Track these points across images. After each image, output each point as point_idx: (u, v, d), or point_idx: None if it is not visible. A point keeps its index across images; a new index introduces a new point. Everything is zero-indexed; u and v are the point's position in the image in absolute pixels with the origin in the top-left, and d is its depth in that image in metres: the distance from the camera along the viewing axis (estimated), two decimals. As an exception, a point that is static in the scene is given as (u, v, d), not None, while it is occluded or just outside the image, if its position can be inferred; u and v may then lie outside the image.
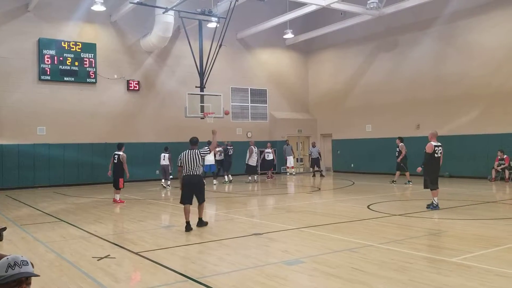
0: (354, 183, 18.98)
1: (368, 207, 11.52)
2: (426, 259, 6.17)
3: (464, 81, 19.64)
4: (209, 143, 14.54)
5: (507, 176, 17.55)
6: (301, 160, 27.55)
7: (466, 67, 19.57)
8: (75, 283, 5.48)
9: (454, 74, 20.03)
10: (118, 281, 5.56)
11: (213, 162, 19.10)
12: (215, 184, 18.96)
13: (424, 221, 9.33)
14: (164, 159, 18.25)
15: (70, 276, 5.80)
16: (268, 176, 21.69)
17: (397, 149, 17.75)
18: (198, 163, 8.93)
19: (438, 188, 10.93)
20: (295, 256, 6.59)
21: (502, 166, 17.65)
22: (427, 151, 10.92)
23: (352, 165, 24.53)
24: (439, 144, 11.02)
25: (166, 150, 18.46)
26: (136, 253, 6.93)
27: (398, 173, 17.77)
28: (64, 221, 10.19)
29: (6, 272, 2.31)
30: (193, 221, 9.06)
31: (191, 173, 8.93)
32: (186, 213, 8.97)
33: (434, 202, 10.80)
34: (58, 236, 8.52)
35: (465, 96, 19.52)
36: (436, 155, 10.86)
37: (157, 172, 20.00)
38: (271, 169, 21.88)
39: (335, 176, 23.39)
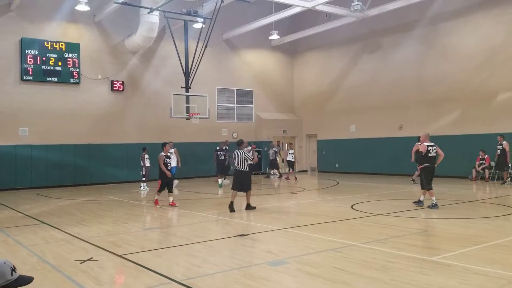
0: (338, 183, 19.12)
1: (352, 207, 11.62)
2: (407, 259, 6.25)
3: (445, 83, 19.95)
4: (239, 142, 13.99)
5: (487, 176, 17.85)
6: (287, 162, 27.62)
7: (447, 69, 19.89)
8: (57, 287, 5.44)
9: (435, 75, 20.34)
10: (101, 284, 5.54)
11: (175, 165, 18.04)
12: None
13: (406, 221, 9.45)
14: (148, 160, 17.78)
15: (52, 279, 5.75)
16: (287, 177, 21.33)
17: (500, 147, 16.95)
18: (244, 161, 11.24)
19: (432, 188, 11.04)
20: (279, 256, 6.63)
21: (483, 166, 17.94)
22: (420, 151, 11.10)
23: (337, 165, 24.70)
24: (432, 144, 11.14)
25: (145, 150, 17.80)
26: (120, 256, 6.89)
27: (504, 173, 17.12)
28: (47, 224, 10.08)
29: (11, 276, 2.42)
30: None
31: (240, 168, 11.32)
32: (233, 196, 11.34)
33: (432, 201, 10.85)
34: (40, 239, 8.44)
35: (446, 98, 19.83)
36: (430, 155, 10.96)
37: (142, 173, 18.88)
38: (291, 170, 21.57)
39: (320, 176, 23.54)
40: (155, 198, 13.00)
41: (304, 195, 15.69)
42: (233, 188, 11.50)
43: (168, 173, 12.50)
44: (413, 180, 17.55)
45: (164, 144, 12.94)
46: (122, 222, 10.27)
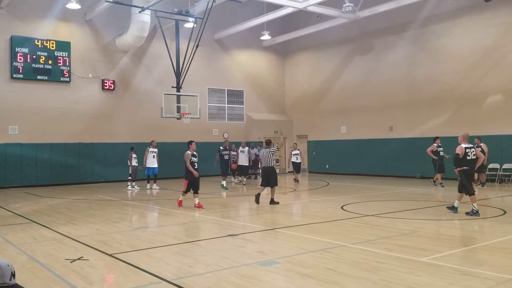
0: (328, 183, 19.19)
1: (342, 207, 11.68)
2: (397, 259, 6.31)
3: (435, 85, 20.13)
4: (267, 142, 13.78)
5: (475, 178, 18.00)
6: (277, 161, 27.67)
7: (438, 70, 20.07)
8: (47, 286, 5.41)
9: (426, 77, 20.51)
10: (91, 283, 5.52)
11: (154, 165, 17.58)
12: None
13: (396, 222, 9.52)
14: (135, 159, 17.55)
15: (42, 278, 5.72)
16: (295, 179, 19.29)
17: (479, 149, 17.04)
18: (271, 158, 12.47)
19: (474, 192, 10.20)
20: (270, 256, 6.65)
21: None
22: (457, 153, 10.22)
23: (327, 166, 24.79)
24: (471, 146, 10.40)
25: (132, 150, 17.73)
26: (110, 255, 6.87)
27: (439, 175, 17.02)
28: (36, 223, 10.02)
29: (10, 280, 2.36)
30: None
31: (267, 165, 12.44)
32: (260, 190, 12.57)
33: (474, 208, 9.93)
34: (30, 237, 8.38)
35: (436, 99, 20.01)
36: (468, 158, 10.13)
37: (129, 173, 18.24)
38: (298, 173, 19.61)
39: (310, 176, 23.60)
40: (179, 199, 12.32)
41: (295, 195, 15.73)
42: (262, 185, 12.70)
43: (195, 172, 11.90)
44: (434, 181, 17.17)
45: (190, 143, 12.36)
46: (112, 221, 10.23)
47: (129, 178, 17.80)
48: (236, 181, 20.08)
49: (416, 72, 20.98)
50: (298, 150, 19.96)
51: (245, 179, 19.52)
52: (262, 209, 11.96)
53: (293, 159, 19.50)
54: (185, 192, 12.15)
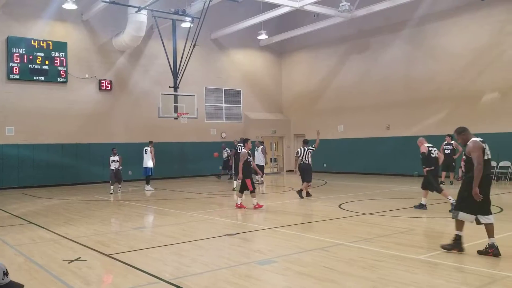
0: (326, 182, 19.22)
1: (339, 206, 11.70)
2: (394, 257, 6.32)
3: (432, 83, 20.17)
4: (305, 141, 14.09)
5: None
6: (275, 160, 27.74)
7: (434, 69, 20.12)
8: (45, 287, 5.41)
9: (422, 76, 20.55)
10: (89, 283, 5.52)
11: (148, 166, 17.31)
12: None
13: (393, 220, 9.54)
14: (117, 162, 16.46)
15: (40, 279, 5.72)
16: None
17: (450, 147, 16.62)
18: (308, 156, 13.60)
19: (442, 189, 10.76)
20: (268, 256, 6.66)
21: (468, 165, 18.06)
22: (423, 152, 10.82)
23: (325, 165, 24.79)
24: (432, 145, 10.99)
25: (113, 151, 16.67)
26: (108, 255, 6.87)
27: (450, 173, 16.91)
28: (34, 224, 10.00)
29: (3, 279, 2.34)
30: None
31: (304, 162, 13.59)
32: (304, 187, 13.58)
33: (450, 200, 10.13)
34: (28, 238, 8.37)
35: (433, 98, 20.06)
36: (432, 155, 10.75)
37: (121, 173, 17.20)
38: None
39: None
40: (256, 203, 11.63)
41: (292, 194, 15.73)
42: (303, 181, 13.71)
43: (240, 175, 11.60)
44: (451, 181, 16.77)
45: (246, 141, 12.08)
46: (110, 221, 10.23)
47: (109, 181, 16.64)
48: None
49: (412, 71, 21.02)
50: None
51: (262, 179, 18.91)
52: (260, 208, 11.97)
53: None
54: (253, 191, 11.60)
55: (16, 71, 19.20)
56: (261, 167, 19.11)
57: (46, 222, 10.21)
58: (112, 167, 16.46)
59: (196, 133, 23.86)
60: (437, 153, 10.97)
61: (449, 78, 19.59)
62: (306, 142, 14.17)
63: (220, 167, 22.58)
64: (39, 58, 19.70)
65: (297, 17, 24.34)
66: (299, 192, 13.58)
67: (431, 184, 10.73)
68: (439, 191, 10.63)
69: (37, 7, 19.83)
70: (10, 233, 8.90)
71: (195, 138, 23.87)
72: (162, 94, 18.72)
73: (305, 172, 13.76)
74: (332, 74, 24.94)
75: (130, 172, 20.48)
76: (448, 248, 6.51)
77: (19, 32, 19.48)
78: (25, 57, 19.41)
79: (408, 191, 15.09)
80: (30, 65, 19.53)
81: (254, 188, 11.66)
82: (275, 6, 20.92)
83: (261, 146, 19.36)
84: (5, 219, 10.93)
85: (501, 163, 17.91)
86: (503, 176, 17.87)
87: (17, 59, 19.23)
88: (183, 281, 5.46)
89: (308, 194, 13.80)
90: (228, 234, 8.26)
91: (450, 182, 16.69)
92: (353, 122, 23.47)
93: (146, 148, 17.54)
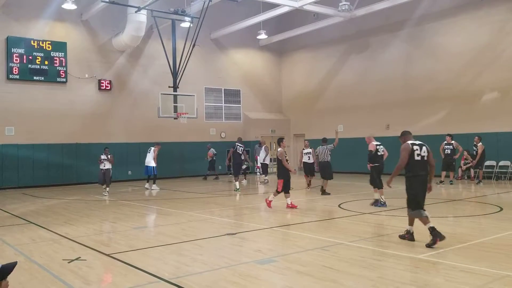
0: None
1: (339, 205, 11.72)
2: (394, 256, 6.33)
3: (431, 82, 20.19)
4: (324, 140, 14.92)
5: (472, 175, 18.08)
6: (275, 160, 27.67)
7: (434, 68, 20.13)
8: (45, 286, 5.41)
9: (422, 75, 20.57)
10: (89, 283, 5.52)
11: (150, 164, 17.13)
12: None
13: (393, 219, 9.55)
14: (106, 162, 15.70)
15: (40, 279, 5.72)
16: (308, 183, 16.76)
17: (451, 147, 16.63)
18: (327, 154, 14.39)
19: (382, 186, 11.38)
20: (268, 255, 6.66)
21: (468, 165, 18.14)
22: (370, 150, 11.64)
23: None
24: (379, 143, 11.79)
25: (105, 150, 15.86)
26: (108, 255, 6.87)
27: (450, 173, 16.94)
28: (34, 223, 10.01)
29: None
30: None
31: (323, 160, 14.42)
32: (324, 184, 14.36)
33: (381, 200, 11.32)
34: (28, 238, 8.37)
35: (432, 97, 20.07)
36: (378, 153, 11.61)
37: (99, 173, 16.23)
38: (312, 176, 16.63)
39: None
40: (269, 199, 11.71)
41: (292, 194, 15.67)
42: (322, 177, 14.43)
43: (293, 170, 11.62)
44: (451, 181, 16.83)
45: (281, 140, 11.76)
46: (110, 221, 10.24)
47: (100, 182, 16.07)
48: (261, 180, 19.90)
49: (412, 70, 21.03)
50: (311, 148, 16.53)
51: (266, 178, 19.33)
52: (260, 208, 11.99)
53: (305, 159, 16.43)
54: (279, 192, 11.51)
55: (15, 71, 19.21)
56: (265, 166, 19.44)
57: (46, 222, 10.22)
58: (102, 167, 15.70)
59: (196, 133, 23.87)
60: (383, 151, 11.68)
61: (449, 77, 19.60)
62: (325, 141, 14.68)
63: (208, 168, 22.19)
64: (38, 58, 19.70)
65: (296, 17, 24.34)
66: (323, 191, 14.21)
67: (373, 179, 11.50)
68: (379, 187, 11.33)
69: (36, 7, 19.83)
70: (10, 233, 8.90)
71: (195, 138, 23.87)
72: (161, 94, 18.73)
73: (324, 170, 14.34)
74: (331, 74, 24.94)
75: (130, 172, 20.49)
76: (431, 244, 6.79)
77: (18, 32, 19.48)
78: (24, 57, 19.42)
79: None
80: (29, 65, 19.53)
81: (283, 189, 11.44)
82: (274, 6, 20.93)
83: (265, 145, 19.58)
84: (5, 219, 10.93)
85: (501, 163, 17.91)
86: (502, 175, 17.87)
87: (16, 59, 19.23)
88: (183, 281, 5.46)
89: (324, 192, 14.22)
90: (228, 234, 8.26)
91: (450, 181, 16.72)
92: (353, 121, 23.46)
93: (151, 147, 17.56)
